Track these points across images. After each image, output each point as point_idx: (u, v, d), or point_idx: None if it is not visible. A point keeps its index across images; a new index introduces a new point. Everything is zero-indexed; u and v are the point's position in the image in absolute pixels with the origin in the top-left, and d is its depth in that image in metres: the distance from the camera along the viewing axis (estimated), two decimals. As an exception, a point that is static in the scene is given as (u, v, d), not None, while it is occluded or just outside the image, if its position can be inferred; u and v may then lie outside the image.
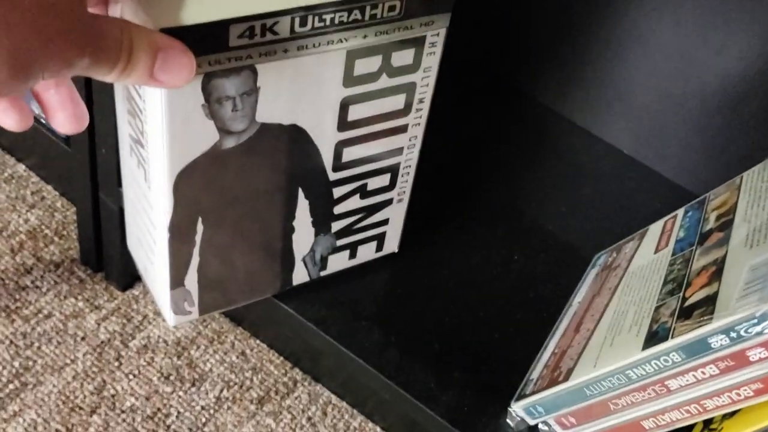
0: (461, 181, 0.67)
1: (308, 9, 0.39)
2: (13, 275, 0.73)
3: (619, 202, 0.69)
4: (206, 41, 0.37)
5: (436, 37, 0.45)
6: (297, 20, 0.39)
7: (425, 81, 0.47)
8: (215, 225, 0.46)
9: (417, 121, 0.50)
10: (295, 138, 0.45)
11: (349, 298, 0.57)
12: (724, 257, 0.45)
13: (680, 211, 0.57)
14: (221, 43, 0.38)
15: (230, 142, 0.43)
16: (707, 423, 0.46)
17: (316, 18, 0.40)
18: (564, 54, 0.72)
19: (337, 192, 0.50)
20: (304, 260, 0.53)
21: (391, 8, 0.42)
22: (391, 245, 0.58)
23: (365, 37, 0.42)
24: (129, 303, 0.74)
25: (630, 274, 0.55)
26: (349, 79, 0.44)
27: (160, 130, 0.40)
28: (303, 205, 0.49)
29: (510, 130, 0.73)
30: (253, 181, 0.46)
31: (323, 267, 0.55)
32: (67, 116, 0.38)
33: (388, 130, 0.49)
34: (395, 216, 0.55)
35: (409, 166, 0.52)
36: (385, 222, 0.55)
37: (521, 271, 0.62)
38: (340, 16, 0.40)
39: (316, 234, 0.52)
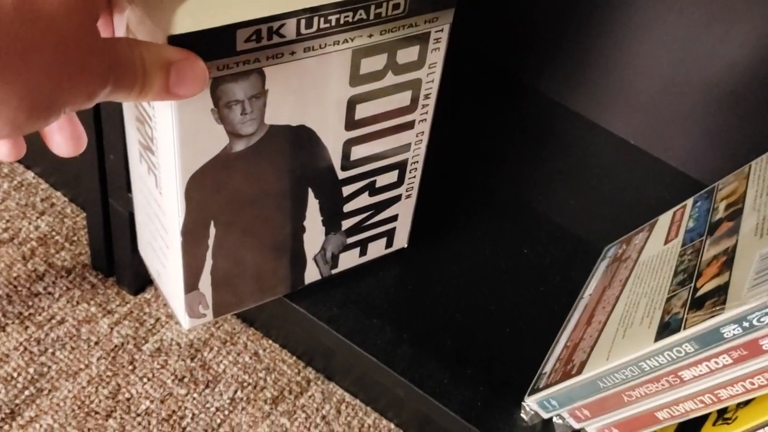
0: (468, 176, 0.67)
1: (313, 10, 0.39)
2: (26, 282, 0.74)
3: (628, 193, 0.69)
4: (214, 46, 0.37)
5: (440, 33, 0.45)
6: (303, 22, 0.39)
7: (430, 77, 0.48)
8: (227, 227, 0.47)
9: (423, 117, 0.50)
10: (304, 138, 0.45)
11: (360, 297, 0.57)
12: (735, 247, 0.45)
13: (689, 201, 0.57)
14: (229, 48, 0.38)
15: (240, 146, 0.43)
16: (721, 412, 0.46)
17: (322, 19, 0.40)
18: (569, 46, 0.72)
19: (347, 190, 0.51)
20: (315, 259, 0.54)
21: (396, 6, 0.42)
22: (401, 241, 0.58)
23: (370, 36, 0.42)
24: (141, 306, 0.75)
25: (640, 265, 0.55)
26: (356, 78, 0.44)
27: (170, 136, 0.40)
28: (313, 205, 0.50)
29: (516, 123, 0.73)
30: (263, 182, 0.46)
31: (334, 265, 0.55)
32: (64, 138, 0.37)
33: (395, 127, 0.49)
34: (404, 212, 0.56)
35: (417, 162, 0.53)
36: (394, 218, 0.55)
37: (531, 264, 0.62)
38: (345, 17, 0.40)
39: (327, 233, 0.52)
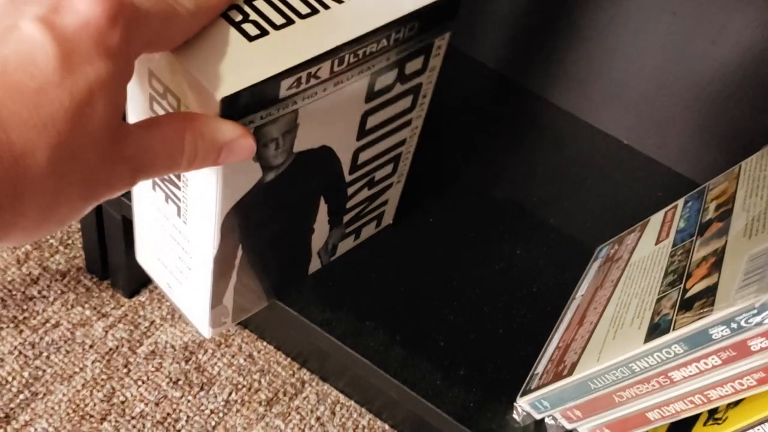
0: (461, 177, 0.67)
1: (343, 49, 0.40)
2: (20, 286, 0.74)
3: (620, 193, 0.69)
4: (260, 98, 0.37)
5: (442, 41, 0.47)
6: (336, 61, 0.40)
7: (429, 79, 0.49)
8: (252, 247, 0.48)
9: (419, 114, 0.52)
10: (323, 156, 0.47)
11: (353, 299, 0.57)
12: (724, 248, 0.46)
13: (680, 202, 0.57)
14: (273, 97, 0.38)
15: (271, 175, 0.44)
16: (712, 413, 0.46)
17: (351, 55, 0.41)
18: (560, 45, 0.72)
19: (351, 190, 0.52)
20: (319, 253, 0.56)
21: (411, 29, 0.43)
22: (388, 219, 0.61)
23: (388, 59, 0.44)
24: (136, 309, 0.75)
25: (632, 266, 0.55)
26: (371, 95, 0.45)
27: (212, 180, 0.41)
28: (322, 209, 0.51)
29: (508, 123, 0.73)
30: (286, 203, 0.47)
31: (333, 254, 0.57)
32: None
33: (396, 128, 0.51)
34: (393, 195, 0.58)
35: (409, 152, 0.55)
36: (385, 203, 0.58)
37: (524, 265, 0.62)
38: (370, 48, 0.41)
39: (331, 229, 0.54)
